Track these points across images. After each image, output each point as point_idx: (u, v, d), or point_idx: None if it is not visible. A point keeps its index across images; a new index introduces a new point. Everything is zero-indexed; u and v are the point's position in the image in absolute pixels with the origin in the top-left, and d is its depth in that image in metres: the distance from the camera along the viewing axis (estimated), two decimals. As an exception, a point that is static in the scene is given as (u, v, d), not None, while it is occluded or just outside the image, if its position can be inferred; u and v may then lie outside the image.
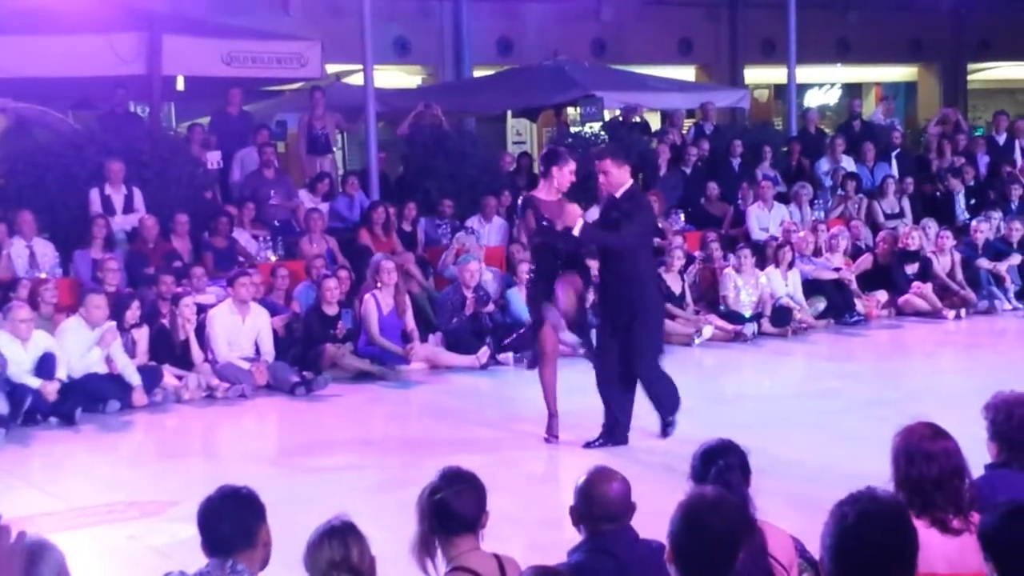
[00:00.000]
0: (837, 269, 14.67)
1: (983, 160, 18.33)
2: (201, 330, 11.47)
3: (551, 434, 8.75)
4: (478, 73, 22.33)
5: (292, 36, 16.65)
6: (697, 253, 14.68)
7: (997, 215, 16.21)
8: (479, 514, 4.00)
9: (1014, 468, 4.46)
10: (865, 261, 15.11)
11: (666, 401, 8.76)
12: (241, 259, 13.12)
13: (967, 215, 16.89)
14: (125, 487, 8.14)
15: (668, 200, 16.08)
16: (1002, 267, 15.21)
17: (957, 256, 15.17)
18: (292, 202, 14.66)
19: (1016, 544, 3.15)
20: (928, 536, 3.93)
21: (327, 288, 11.95)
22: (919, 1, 25.84)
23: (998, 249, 15.50)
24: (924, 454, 4.03)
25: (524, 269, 11.99)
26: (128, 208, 13.29)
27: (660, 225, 15.39)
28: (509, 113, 22.10)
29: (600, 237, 8.52)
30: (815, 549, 3.35)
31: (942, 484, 4.00)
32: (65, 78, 14.32)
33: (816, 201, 16.55)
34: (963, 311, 14.52)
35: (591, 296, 9.23)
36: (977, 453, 4.42)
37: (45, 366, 10.24)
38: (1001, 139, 18.84)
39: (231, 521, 3.78)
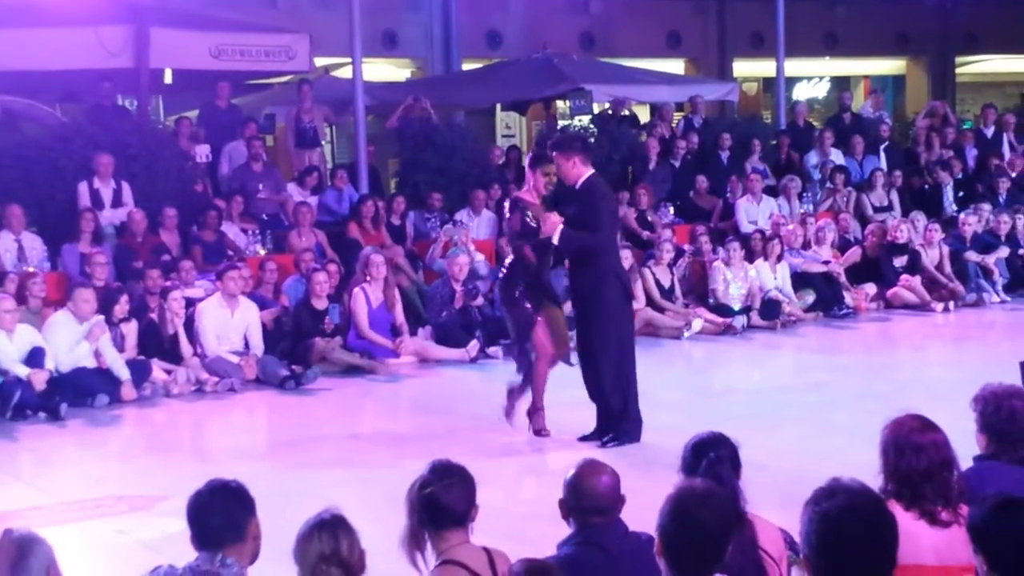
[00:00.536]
0: (826, 262, 14.69)
1: (971, 153, 18.37)
2: (190, 324, 11.45)
3: (539, 427, 8.72)
4: (467, 66, 22.30)
5: (280, 29, 16.60)
6: (686, 246, 14.69)
7: (986, 208, 16.25)
8: (469, 507, 3.99)
9: (1002, 460, 4.48)
10: (854, 254, 15.13)
11: (610, 416, 8.54)
12: (230, 253, 13.09)
13: (955, 208, 16.93)
14: (114, 481, 8.12)
15: (657, 193, 16.09)
16: (990, 260, 15.25)
17: (945, 249, 15.20)
18: (281, 196, 14.62)
19: (1005, 536, 3.16)
20: (917, 528, 3.95)
21: (317, 282, 11.94)
22: (907, -6, 25.92)
23: (986, 242, 15.54)
24: (913, 446, 4.04)
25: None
26: (117, 202, 13.25)
27: (649, 218, 15.44)
28: (498, 106, 22.07)
29: (578, 241, 8.43)
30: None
31: (931, 476, 4.01)
32: (52, 71, 14.27)
33: (805, 194, 16.56)
34: (951, 304, 14.56)
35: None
36: (965, 445, 4.44)
37: (34, 359, 10.23)
38: (989, 132, 18.87)
39: (221, 515, 3.78)
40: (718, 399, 10.23)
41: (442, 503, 3.94)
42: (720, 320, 13.37)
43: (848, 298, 14.38)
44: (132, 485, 7.93)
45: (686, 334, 13.03)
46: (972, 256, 15.25)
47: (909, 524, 3.92)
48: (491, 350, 12.18)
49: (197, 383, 11.07)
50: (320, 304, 11.97)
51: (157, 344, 11.35)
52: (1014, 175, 17.54)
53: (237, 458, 8.52)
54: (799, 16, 21.02)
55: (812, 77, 28.19)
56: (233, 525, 3.77)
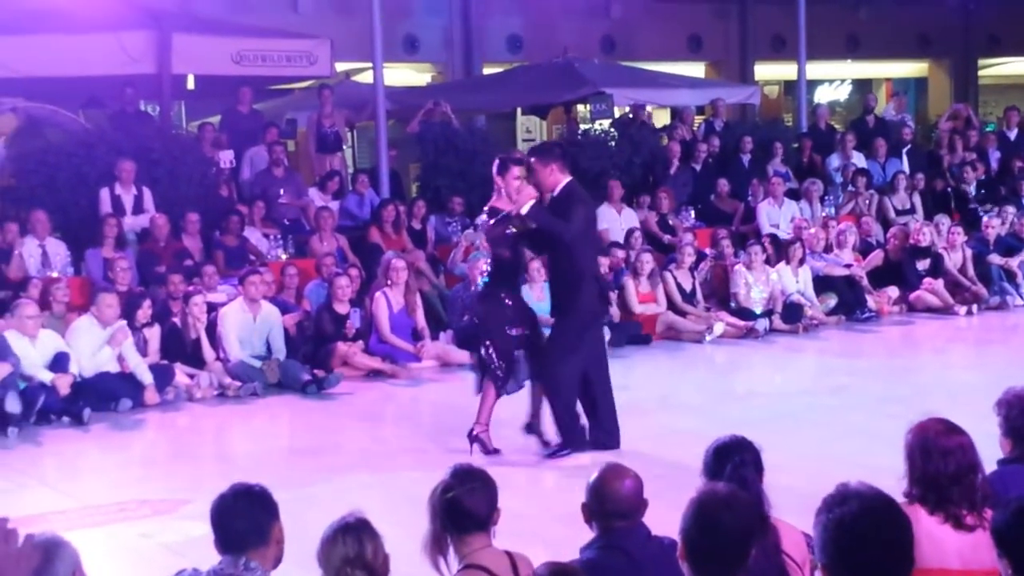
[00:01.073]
0: (848, 265, 14.65)
1: (994, 156, 18.30)
2: (212, 329, 11.49)
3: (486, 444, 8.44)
4: (488, 70, 22.33)
5: (301, 34, 16.67)
6: (708, 250, 14.67)
7: (1010, 211, 16.18)
8: (491, 512, 4.00)
9: (1027, 464, 4.46)
10: (876, 257, 15.08)
11: (563, 424, 8.40)
12: (252, 257, 13.14)
13: (979, 211, 16.85)
14: (138, 485, 8.15)
15: (678, 197, 16.07)
16: (1014, 263, 15.18)
17: (968, 252, 15.14)
18: (302, 200, 14.67)
19: (1030, 540, 3.14)
20: (942, 532, 3.93)
21: (339, 286, 11.95)
22: (928, -4, 25.82)
23: (1009, 245, 15.46)
24: (941, 450, 4.02)
25: (535, 267, 11.98)
26: (138, 208, 13.32)
27: (671, 222, 15.41)
28: (519, 110, 22.08)
29: (546, 219, 8.25)
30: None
31: (958, 480, 3.99)
32: (75, 77, 14.35)
33: (827, 197, 16.52)
34: (974, 307, 14.49)
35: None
36: (989, 449, 4.42)
37: (59, 363, 10.29)
38: (1012, 134, 18.80)
39: (244, 519, 3.79)
40: (740, 403, 10.20)
41: (464, 507, 3.95)
42: (742, 324, 13.34)
43: (870, 301, 14.33)
44: (155, 489, 7.96)
45: (708, 338, 13.01)
46: (995, 259, 15.19)
47: (934, 528, 3.91)
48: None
49: (220, 387, 11.10)
50: (342, 308, 11.99)
51: (180, 349, 11.39)
52: (1037, 177, 17.47)
53: (260, 462, 8.54)
54: (821, 19, 20.96)
55: (834, 80, 28.13)
56: (257, 529, 3.78)
